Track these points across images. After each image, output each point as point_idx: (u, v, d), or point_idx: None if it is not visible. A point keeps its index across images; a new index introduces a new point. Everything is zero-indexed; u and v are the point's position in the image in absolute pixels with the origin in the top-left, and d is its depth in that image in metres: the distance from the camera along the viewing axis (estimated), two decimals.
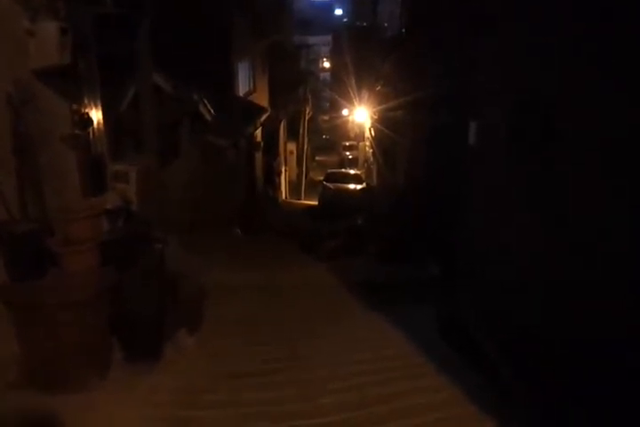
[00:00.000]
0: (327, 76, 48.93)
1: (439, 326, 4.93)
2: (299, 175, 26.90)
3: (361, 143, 33.78)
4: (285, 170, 25.10)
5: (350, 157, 36.20)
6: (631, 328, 2.69)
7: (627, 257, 2.71)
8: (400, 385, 3.80)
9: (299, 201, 24.46)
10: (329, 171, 24.40)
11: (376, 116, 17.73)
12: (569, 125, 3.20)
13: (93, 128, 5.12)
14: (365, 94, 23.43)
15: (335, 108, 41.91)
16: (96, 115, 5.22)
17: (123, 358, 3.94)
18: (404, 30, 11.62)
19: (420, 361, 4.20)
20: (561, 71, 3.34)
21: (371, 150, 25.60)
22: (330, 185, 20.57)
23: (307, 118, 27.49)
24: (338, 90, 34.62)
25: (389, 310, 5.58)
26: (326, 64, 50.88)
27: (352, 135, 39.80)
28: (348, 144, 38.60)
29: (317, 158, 39.54)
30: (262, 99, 18.45)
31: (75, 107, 4.40)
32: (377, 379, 3.90)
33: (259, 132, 16.48)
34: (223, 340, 4.78)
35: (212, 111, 11.15)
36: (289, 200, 24.27)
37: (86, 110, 4.91)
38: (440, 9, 6.63)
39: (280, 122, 22.69)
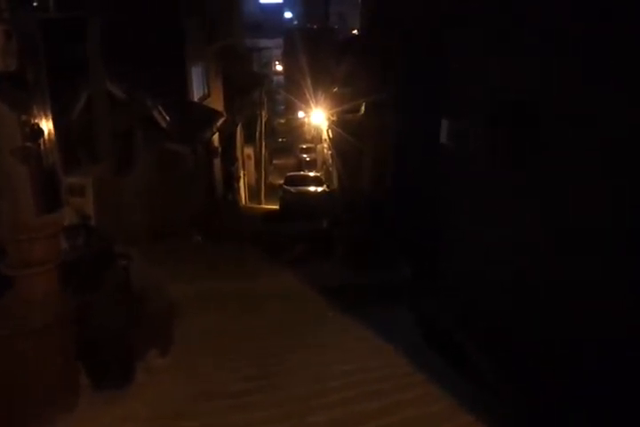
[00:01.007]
0: (281, 78, 48.78)
1: (423, 330, 4.80)
2: (257, 180, 26.60)
3: (319, 145, 33.73)
4: (244, 175, 24.76)
5: (308, 159, 36.12)
6: (631, 329, 2.62)
7: (623, 256, 2.63)
8: (389, 398, 3.63)
9: (259, 206, 24.16)
10: (288, 174, 24.15)
11: (334, 118, 17.63)
12: (560, 125, 3.10)
13: (44, 139, 4.80)
14: (321, 96, 23.35)
15: (290, 110, 41.87)
16: (46, 124, 4.89)
17: (90, 386, 3.67)
18: (364, 31, 11.53)
19: (408, 370, 4.05)
20: (545, 69, 3.25)
21: (329, 152, 25.54)
22: (290, 188, 20.35)
23: (263, 122, 27.23)
24: (292, 92, 34.55)
25: (367, 316, 5.43)
26: (279, 67, 50.75)
27: (309, 137, 39.76)
28: (305, 147, 38.52)
29: (275, 162, 39.29)
30: (217, 103, 18.12)
31: (24, 117, 4.07)
32: (364, 392, 3.72)
33: (216, 137, 16.16)
34: (196, 358, 4.52)
35: (168, 117, 10.83)
36: (249, 205, 23.93)
37: (36, 120, 4.58)
38: (407, 7, 6.53)
39: (236, 126, 22.36)
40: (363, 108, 10.75)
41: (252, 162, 27.31)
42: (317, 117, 25.37)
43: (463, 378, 3.93)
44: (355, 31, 23.85)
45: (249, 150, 26.90)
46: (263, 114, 27.36)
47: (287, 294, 7.10)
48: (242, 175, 23.80)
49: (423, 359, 4.22)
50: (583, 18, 2.89)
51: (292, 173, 24.54)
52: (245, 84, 23.99)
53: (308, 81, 26.20)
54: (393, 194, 8.02)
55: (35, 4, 6.69)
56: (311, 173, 25.25)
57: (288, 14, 64.88)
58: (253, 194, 25.91)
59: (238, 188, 22.41)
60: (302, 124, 40.15)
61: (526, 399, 3.48)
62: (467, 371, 4.02)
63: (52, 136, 5.08)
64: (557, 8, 3.17)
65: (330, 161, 26.39)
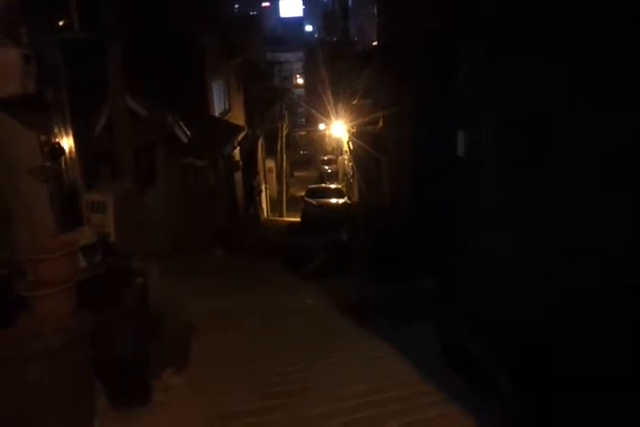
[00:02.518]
0: (301, 91, 49.12)
1: (443, 348, 4.71)
2: (279, 192, 26.72)
3: (340, 157, 33.77)
4: (265, 187, 24.89)
5: (329, 171, 36.21)
6: (630, 336, 2.57)
7: (626, 265, 2.60)
8: (406, 419, 3.56)
9: (281, 218, 24.22)
10: (310, 186, 24.24)
11: (354, 130, 17.65)
12: (568, 135, 3.05)
13: (65, 157, 4.87)
14: (342, 108, 23.38)
15: (311, 122, 42.00)
16: (67, 143, 4.97)
17: (107, 404, 3.67)
18: (380, 44, 11.55)
19: (425, 389, 3.97)
20: (556, 80, 3.20)
21: (350, 164, 25.55)
22: (312, 201, 20.43)
23: (284, 135, 27.38)
24: (313, 105, 34.64)
25: (389, 333, 5.36)
26: (300, 80, 51.13)
27: (329, 149, 39.87)
28: (326, 158, 38.65)
29: (296, 174, 39.43)
30: (238, 117, 18.29)
31: (43, 137, 4.14)
32: (381, 412, 3.65)
33: (237, 151, 16.28)
34: (214, 376, 4.49)
35: (189, 133, 10.95)
36: (271, 218, 24.02)
37: (56, 140, 4.65)
38: (420, 20, 6.53)
39: (257, 140, 22.54)
40: (381, 120, 10.74)
41: (274, 175, 27.46)
42: (338, 129, 25.41)
43: (482, 396, 3.83)
44: (374, 43, 23.90)
45: (270, 163, 27.06)
46: (284, 127, 27.53)
47: (307, 310, 7.07)
48: (263, 188, 23.93)
49: (441, 377, 4.13)
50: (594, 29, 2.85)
51: (313, 186, 24.62)
52: (266, 99, 24.23)
53: (329, 93, 26.26)
54: (411, 206, 7.96)
55: (60, 23, 6.87)
56: (332, 186, 25.30)
57: (309, 28, 65.57)
58: (275, 206, 26.01)
59: (260, 200, 22.52)
60: (323, 137, 40.29)
61: (537, 409, 3.42)
62: (483, 385, 3.93)
63: (74, 154, 5.17)
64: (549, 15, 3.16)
65: (350, 173, 26.39)
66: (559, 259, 3.17)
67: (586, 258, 2.92)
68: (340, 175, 33.82)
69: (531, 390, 3.54)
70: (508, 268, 3.91)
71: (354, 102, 16.60)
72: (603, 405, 2.83)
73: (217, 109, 15.46)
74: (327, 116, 26.84)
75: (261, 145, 24.20)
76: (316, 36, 58.38)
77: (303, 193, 23.41)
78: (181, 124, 10.67)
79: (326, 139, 39.76)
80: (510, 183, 3.83)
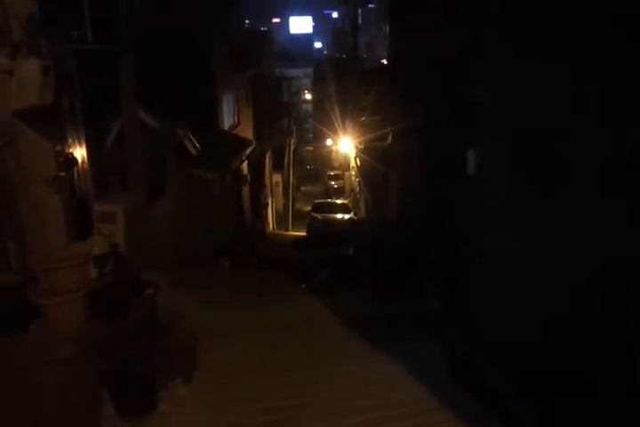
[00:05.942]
0: (309, 107, 49.49)
1: (449, 366, 4.68)
2: (285, 206, 26.76)
3: (346, 173, 33.87)
4: (272, 201, 24.95)
5: (336, 186, 36.27)
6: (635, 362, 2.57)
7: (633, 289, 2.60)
8: None
9: (286, 232, 24.22)
10: (316, 201, 24.24)
11: (362, 146, 17.73)
12: (581, 157, 3.06)
13: (77, 168, 4.92)
14: (349, 124, 23.53)
15: (318, 138, 42.26)
16: (80, 153, 5.03)
17: (114, 413, 3.67)
18: (391, 60, 11.65)
19: (432, 406, 3.94)
20: (568, 98, 3.23)
21: (357, 179, 25.62)
22: (318, 215, 20.43)
23: (291, 149, 27.50)
24: (321, 120, 34.89)
25: (390, 348, 5.33)
26: (308, 96, 51.55)
27: (336, 165, 40.02)
28: (333, 174, 38.76)
29: (303, 189, 39.54)
30: (247, 131, 18.41)
31: (58, 147, 4.20)
32: None
33: (244, 164, 16.36)
34: (219, 388, 4.48)
35: (198, 145, 11.04)
36: (276, 232, 24.02)
37: (70, 150, 4.71)
38: (431, 37, 6.59)
39: (265, 154, 22.65)
40: (390, 136, 10.79)
41: (280, 189, 27.54)
42: (345, 145, 25.55)
43: (490, 413, 3.81)
44: (383, 60, 24.13)
45: (277, 177, 27.15)
46: (292, 142, 27.67)
47: (310, 324, 7.04)
48: (270, 202, 23.98)
49: (448, 394, 4.11)
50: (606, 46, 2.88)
51: (319, 201, 24.62)
52: (275, 113, 24.41)
53: (337, 109, 26.44)
54: (418, 222, 7.97)
55: (75, 34, 6.94)
56: (339, 201, 25.33)
57: (318, 44, 66.35)
58: (281, 220, 26.03)
59: (266, 214, 22.56)
60: (330, 152, 40.48)
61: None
62: (499, 411, 3.90)
63: (86, 165, 5.22)
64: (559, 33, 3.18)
65: (357, 188, 26.46)
66: (589, 277, 3.13)
67: (612, 275, 2.89)
68: (347, 191, 33.90)
69: (548, 407, 3.51)
70: (530, 287, 3.83)
71: (362, 118, 16.70)
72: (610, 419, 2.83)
73: (226, 123, 15.57)
74: (334, 131, 27.00)
75: (269, 159, 24.31)
76: (325, 52, 59.03)
77: (309, 207, 23.44)
78: (191, 136, 10.76)
79: (333, 154, 39.94)
80: (534, 201, 3.76)
